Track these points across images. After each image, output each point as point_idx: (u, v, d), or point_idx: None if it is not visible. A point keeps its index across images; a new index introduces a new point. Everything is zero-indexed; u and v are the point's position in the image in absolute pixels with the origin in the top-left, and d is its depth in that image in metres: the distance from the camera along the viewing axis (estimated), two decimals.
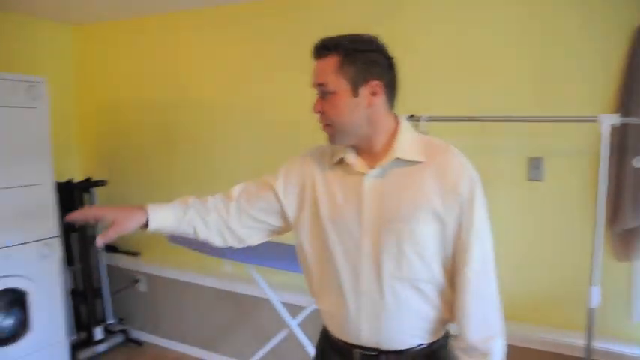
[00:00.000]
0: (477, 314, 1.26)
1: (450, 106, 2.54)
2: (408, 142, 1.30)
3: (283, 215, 1.44)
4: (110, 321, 3.60)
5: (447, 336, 1.39)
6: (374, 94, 1.26)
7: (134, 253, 3.72)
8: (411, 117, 2.39)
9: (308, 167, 1.41)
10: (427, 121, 2.38)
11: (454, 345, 1.32)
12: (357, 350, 1.35)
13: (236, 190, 1.47)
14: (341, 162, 1.35)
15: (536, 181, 2.44)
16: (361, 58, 1.25)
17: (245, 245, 1.51)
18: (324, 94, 1.27)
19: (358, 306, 1.31)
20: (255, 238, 1.50)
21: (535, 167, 2.45)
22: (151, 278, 3.63)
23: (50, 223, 3.04)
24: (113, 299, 3.70)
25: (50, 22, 3.72)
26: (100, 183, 3.58)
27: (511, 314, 2.44)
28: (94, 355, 3.39)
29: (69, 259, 3.44)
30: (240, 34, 3.15)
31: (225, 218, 1.44)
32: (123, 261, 3.74)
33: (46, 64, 3.70)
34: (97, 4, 3.29)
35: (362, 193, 1.29)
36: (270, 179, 1.45)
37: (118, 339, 3.57)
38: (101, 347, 3.44)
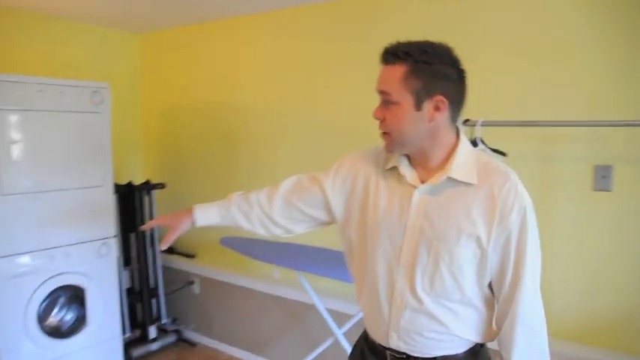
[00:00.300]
0: (522, 346, 1.25)
1: (507, 111, 2.40)
2: (464, 161, 1.27)
3: (329, 210, 1.47)
4: (164, 321, 3.68)
5: (479, 346, 1.37)
6: (437, 109, 1.23)
7: (190, 255, 3.79)
8: (466, 121, 2.28)
9: (362, 165, 1.43)
10: (483, 125, 2.26)
11: None
12: (389, 352, 1.37)
13: (286, 183, 1.54)
14: (393, 169, 1.35)
15: (604, 191, 2.24)
16: (429, 71, 1.21)
17: (290, 235, 1.57)
18: (387, 102, 1.25)
19: (390, 312, 1.33)
20: (301, 228, 1.55)
21: (603, 176, 2.25)
22: (205, 280, 3.68)
23: (108, 224, 3.14)
24: (168, 299, 3.79)
25: (118, 32, 3.89)
26: (160, 186, 3.68)
27: (574, 336, 2.32)
28: (148, 353, 3.48)
29: (127, 260, 3.55)
30: (297, 38, 3.15)
31: (269, 212, 1.52)
32: (178, 262, 3.82)
33: (114, 71, 3.86)
34: (161, 13, 3.40)
35: (410, 205, 1.29)
36: (321, 174, 1.49)
37: (171, 338, 3.64)
38: (154, 346, 3.52)
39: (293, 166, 3.21)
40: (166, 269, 3.83)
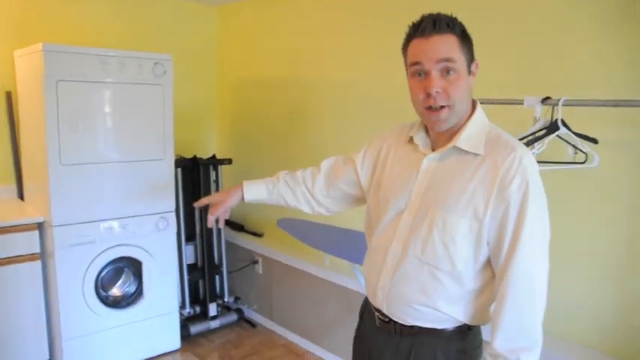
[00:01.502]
0: (511, 325, 1.20)
1: (592, 88, 1.97)
2: (473, 132, 1.27)
3: (360, 186, 1.54)
4: (226, 299, 3.63)
5: (466, 334, 1.34)
6: (473, 74, 1.27)
7: (258, 234, 3.70)
8: (546, 99, 1.90)
9: (386, 140, 1.48)
10: (565, 105, 1.87)
11: (485, 349, 1.27)
12: (377, 314, 1.41)
13: (325, 163, 1.63)
14: (411, 140, 1.39)
15: None
16: (469, 39, 1.26)
17: (332, 213, 1.66)
18: (448, 71, 1.22)
19: (379, 272, 1.36)
20: (340, 207, 1.65)
21: None
22: (268, 261, 3.57)
23: (168, 198, 3.12)
24: (231, 278, 3.74)
25: (195, 4, 3.85)
26: (226, 161, 3.61)
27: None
28: (207, 330, 3.46)
29: (191, 235, 3.54)
30: (373, 12, 2.86)
31: (312, 190, 1.62)
32: (244, 240, 3.76)
33: (191, 45, 3.85)
34: None
35: (418, 173, 1.32)
36: (355, 153, 1.57)
37: (232, 317, 3.60)
38: (214, 323, 3.49)
39: (358, 144, 2.96)
40: (231, 246, 3.78)
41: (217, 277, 3.62)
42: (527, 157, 1.20)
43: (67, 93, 2.67)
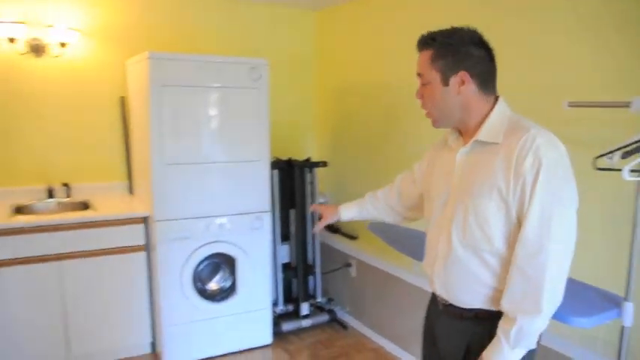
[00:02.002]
0: (515, 289, 1.30)
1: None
2: (493, 125, 1.39)
3: (421, 193, 1.73)
4: (319, 299, 3.66)
5: None
6: (462, 83, 1.39)
7: (353, 237, 3.68)
8: None
9: (435, 147, 1.67)
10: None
11: None
12: (440, 299, 1.54)
13: (398, 178, 1.87)
14: (447, 142, 1.57)
15: None
16: (451, 51, 1.38)
17: (413, 220, 1.88)
18: (423, 84, 1.45)
19: (433, 262, 1.51)
20: (417, 214, 1.83)
21: None
22: (362, 264, 3.54)
23: (263, 198, 3.21)
24: (325, 279, 3.76)
25: (294, 9, 3.93)
26: (321, 164, 3.63)
27: None
28: (298, 328, 3.51)
29: (286, 235, 3.61)
30: (474, 16, 2.74)
31: (390, 203, 1.87)
32: (338, 243, 3.76)
33: (290, 50, 3.94)
34: None
35: (453, 168, 1.47)
36: (416, 164, 1.79)
37: (323, 317, 3.61)
38: (306, 322, 3.52)
39: None
40: (326, 248, 3.79)
41: (311, 277, 3.66)
42: (542, 136, 1.28)
43: (170, 97, 2.85)
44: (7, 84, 3.13)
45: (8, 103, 3.14)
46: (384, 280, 3.32)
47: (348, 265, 3.65)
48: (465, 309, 1.45)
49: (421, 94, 1.47)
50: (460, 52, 1.37)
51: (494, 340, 1.33)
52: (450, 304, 1.49)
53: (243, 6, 3.73)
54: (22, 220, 2.78)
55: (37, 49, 3.17)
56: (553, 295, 1.28)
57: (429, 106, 1.45)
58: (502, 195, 1.31)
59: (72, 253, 2.84)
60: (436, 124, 1.48)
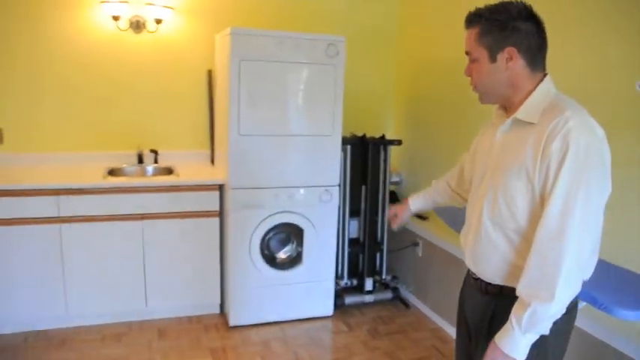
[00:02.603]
0: (533, 274, 1.30)
1: None
2: (533, 104, 1.37)
3: None
4: (384, 276, 3.70)
5: None
6: (510, 59, 1.38)
7: (423, 217, 3.67)
8: None
9: (484, 124, 1.66)
10: None
11: None
12: (471, 274, 1.59)
13: (460, 159, 1.87)
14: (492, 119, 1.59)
15: None
16: (498, 27, 1.37)
17: None
18: (471, 60, 1.45)
19: (467, 235, 1.57)
20: None
21: None
22: (429, 245, 3.53)
23: (333, 173, 3.29)
24: (391, 256, 3.79)
25: None
26: (396, 142, 3.64)
27: None
28: (361, 303, 3.58)
29: (356, 211, 3.67)
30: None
31: (453, 186, 1.89)
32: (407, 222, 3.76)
33: (371, 25, 3.95)
34: None
35: (493, 146, 1.48)
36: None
37: (387, 295, 3.66)
38: (369, 298, 3.59)
39: None
40: None
41: (378, 254, 3.71)
42: (576, 119, 1.26)
43: (249, 71, 2.99)
44: (109, 57, 3.44)
45: (110, 75, 3.46)
46: (449, 261, 3.30)
47: (416, 244, 3.65)
48: (490, 284, 1.48)
49: (469, 72, 1.47)
50: (507, 28, 1.35)
51: (506, 325, 1.33)
52: (479, 278, 1.52)
53: None
54: (113, 181, 3.09)
55: (136, 26, 3.45)
56: (569, 283, 1.27)
57: (474, 82, 1.46)
58: (529, 175, 1.32)
59: (154, 213, 3.11)
60: (481, 99, 1.49)
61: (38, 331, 3.05)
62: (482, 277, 1.51)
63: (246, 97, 3.02)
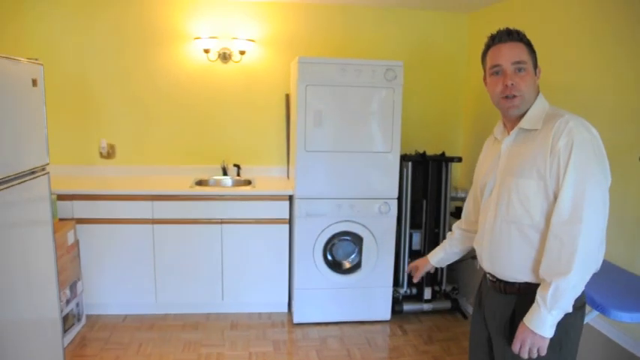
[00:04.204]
0: (552, 255, 1.48)
1: None
2: (534, 114, 1.62)
3: None
4: (443, 286, 3.85)
5: None
6: (538, 76, 1.65)
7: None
8: None
9: (484, 146, 1.89)
10: None
11: None
12: (487, 275, 1.75)
13: (467, 199, 2.03)
14: (494, 136, 1.82)
15: None
16: (533, 49, 1.65)
17: None
18: (520, 69, 1.61)
19: (482, 239, 1.73)
20: None
21: None
22: None
23: (391, 186, 3.56)
24: (450, 268, 3.93)
25: (447, 13, 4.16)
26: (456, 159, 3.82)
27: None
28: (419, 311, 3.77)
29: (419, 224, 3.88)
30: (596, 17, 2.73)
31: (464, 227, 2.02)
32: None
33: (443, 51, 4.19)
34: None
35: (500, 155, 1.69)
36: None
37: (445, 304, 3.80)
38: (427, 306, 3.77)
39: None
40: None
41: None
42: (575, 121, 1.50)
43: (313, 95, 3.38)
44: (200, 85, 4.01)
45: (200, 101, 4.03)
46: None
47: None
48: (508, 283, 1.64)
49: (516, 80, 1.60)
50: (534, 49, 1.65)
51: (533, 306, 1.49)
52: (497, 280, 1.68)
53: (397, 16, 4.09)
54: (198, 189, 3.60)
55: (224, 57, 4.00)
56: (586, 258, 1.44)
57: (521, 90, 1.60)
58: (540, 173, 1.52)
59: (232, 219, 3.57)
60: (519, 107, 1.62)
61: (134, 315, 3.62)
62: (500, 277, 1.66)
63: (312, 118, 3.41)
